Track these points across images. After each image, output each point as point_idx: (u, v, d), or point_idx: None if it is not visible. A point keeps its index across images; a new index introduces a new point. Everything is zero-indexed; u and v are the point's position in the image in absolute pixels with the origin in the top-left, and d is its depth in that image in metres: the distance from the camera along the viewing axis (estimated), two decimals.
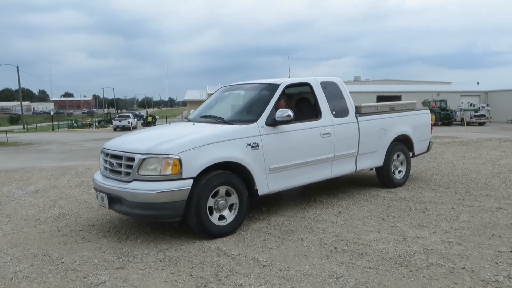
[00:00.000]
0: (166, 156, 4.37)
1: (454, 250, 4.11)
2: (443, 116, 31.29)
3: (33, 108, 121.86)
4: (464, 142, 14.52)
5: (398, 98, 41.55)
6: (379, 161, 6.59)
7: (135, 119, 45.32)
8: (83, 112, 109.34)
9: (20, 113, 55.50)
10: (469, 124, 28.61)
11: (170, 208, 4.38)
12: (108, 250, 4.46)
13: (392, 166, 6.84)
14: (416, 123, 7.16)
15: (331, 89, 6.02)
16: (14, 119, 68.57)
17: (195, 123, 5.48)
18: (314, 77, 5.95)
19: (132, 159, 4.53)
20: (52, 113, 55.74)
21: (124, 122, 39.54)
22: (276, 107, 5.71)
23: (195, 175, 4.44)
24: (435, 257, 3.95)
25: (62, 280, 3.72)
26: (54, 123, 46.77)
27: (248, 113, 5.41)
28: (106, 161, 4.99)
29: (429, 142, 7.54)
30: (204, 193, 4.49)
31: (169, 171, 4.36)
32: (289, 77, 6.53)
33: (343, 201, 6.14)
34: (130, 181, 4.50)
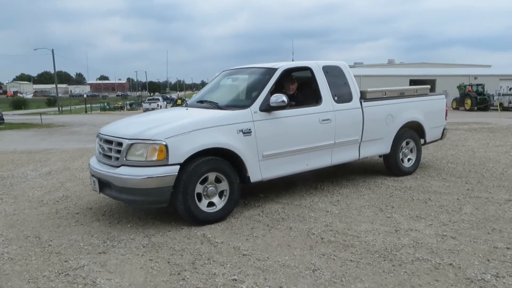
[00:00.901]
0: (153, 141, 4.34)
1: (446, 244, 3.90)
2: (479, 101, 29.89)
3: (70, 91, 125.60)
4: (492, 129, 13.84)
5: (432, 82, 40.15)
6: (385, 148, 6.33)
7: (165, 102, 45.98)
8: (117, 95, 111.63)
9: (57, 95, 57.28)
10: (507, 109, 27.29)
11: (156, 194, 4.36)
12: (97, 234, 4.50)
13: (401, 154, 6.57)
14: (428, 109, 6.82)
15: (334, 73, 5.79)
16: (52, 102, 70.84)
17: (189, 108, 5.41)
18: (316, 61, 5.73)
19: (121, 144, 4.52)
20: (85, 96, 57.28)
21: (153, 105, 40.32)
22: (286, 91, 5.59)
23: (182, 161, 4.39)
24: (424, 251, 3.76)
25: (43, 263, 3.78)
26: (87, 105, 48.07)
27: (243, 98, 5.30)
28: (100, 146, 5.01)
29: (443, 129, 7.17)
30: (192, 180, 4.43)
31: (155, 157, 4.32)
32: (292, 61, 6.33)
33: (345, 189, 5.96)
34: (119, 166, 4.50)
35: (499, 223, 4.43)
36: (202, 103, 5.51)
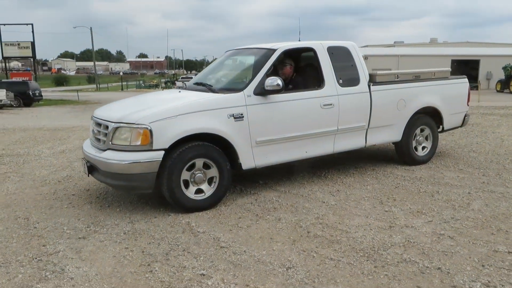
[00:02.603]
0: (137, 125, 4.20)
1: (440, 245, 3.58)
2: None
3: (111, 68, 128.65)
4: None
5: (476, 62, 38.11)
6: (396, 135, 5.94)
7: None
8: (155, 73, 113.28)
9: (97, 73, 58.77)
10: None
11: (140, 180, 4.25)
12: (84, 217, 4.46)
13: (414, 142, 6.15)
14: (447, 94, 6.31)
15: (340, 55, 5.42)
16: (92, 79, 72.88)
17: (182, 91, 5.22)
18: (320, 41, 5.38)
19: (108, 128, 4.42)
20: (121, 74, 58.39)
21: (186, 83, 40.55)
22: (282, 74, 5.33)
23: (166, 146, 4.24)
24: (414, 252, 3.46)
25: (22, 246, 3.77)
26: (123, 83, 49.02)
27: (238, 81, 5.05)
28: (92, 129, 4.94)
29: (465, 116, 6.65)
30: (177, 166, 4.28)
31: (139, 141, 4.20)
32: (299, 40, 6.00)
33: (349, 178, 5.66)
34: (105, 150, 4.41)
35: (508, 223, 4.03)
36: (198, 86, 5.31)
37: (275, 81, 4.60)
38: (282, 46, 5.08)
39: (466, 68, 36.68)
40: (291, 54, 5.34)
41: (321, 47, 5.30)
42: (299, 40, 6.29)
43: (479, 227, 3.96)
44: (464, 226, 3.97)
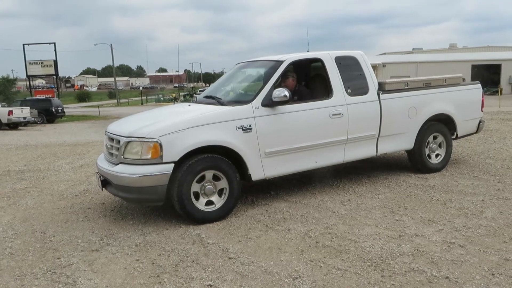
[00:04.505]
0: (147, 139, 4.31)
1: (450, 254, 3.53)
2: None
3: (131, 83, 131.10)
4: None
5: (497, 67, 37.41)
6: (408, 143, 5.89)
7: None
8: (174, 86, 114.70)
9: (118, 88, 60.06)
10: None
11: (151, 192, 4.34)
12: (98, 230, 4.57)
13: (427, 149, 6.09)
14: (461, 100, 6.25)
15: (348, 64, 5.45)
16: (113, 94, 74.52)
17: (192, 104, 5.33)
18: (328, 52, 5.42)
19: (119, 142, 4.54)
20: (141, 88, 59.47)
21: None
22: (285, 86, 5.39)
23: (176, 159, 4.32)
24: (422, 261, 3.43)
25: (38, 259, 3.88)
26: (143, 97, 49.91)
27: (246, 93, 5.13)
28: (106, 143, 5.08)
29: (479, 122, 6.55)
30: (187, 178, 4.36)
31: (149, 154, 4.30)
32: (307, 51, 6.05)
33: (361, 187, 5.63)
34: (117, 164, 4.53)
35: None
36: (208, 99, 5.41)
37: (283, 92, 4.66)
38: (289, 57, 5.14)
39: (487, 73, 36.08)
40: (299, 65, 5.40)
41: (328, 57, 5.34)
42: (308, 51, 6.32)
43: (491, 235, 3.89)
44: (475, 234, 3.91)
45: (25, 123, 22.29)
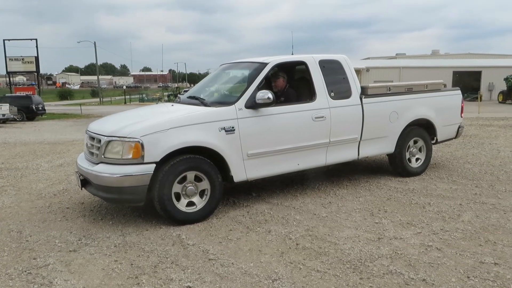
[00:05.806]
0: (128, 139, 4.26)
1: (427, 256, 3.58)
2: None
3: (115, 82, 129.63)
4: None
5: (477, 73, 38.15)
6: (389, 147, 5.97)
7: None
8: (158, 86, 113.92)
9: (101, 86, 59.25)
10: None
11: (131, 193, 4.30)
12: (76, 230, 4.50)
13: (408, 153, 6.18)
14: (441, 106, 6.36)
15: (331, 68, 5.50)
16: (96, 92, 73.46)
17: (174, 105, 5.30)
18: (312, 55, 5.45)
19: (100, 141, 4.48)
20: (124, 87, 58.89)
21: None
22: (274, 86, 5.41)
23: (158, 159, 4.29)
24: (400, 263, 3.47)
25: (13, 260, 3.80)
26: (126, 96, 49.39)
27: (230, 94, 5.12)
28: (86, 142, 5.01)
29: (459, 127, 6.68)
30: (168, 179, 4.33)
31: (131, 154, 4.25)
32: (292, 54, 6.08)
33: (342, 190, 5.68)
34: (98, 163, 4.47)
35: (497, 234, 4.04)
36: (191, 99, 5.38)
37: (266, 94, 4.67)
38: (273, 60, 5.15)
39: (468, 79, 36.79)
40: (283, 68, 5.42)
41: (312, 60, 5.38)
42: (292, 54, 6.36)
43: (467, 238, 3.96)
44: (452, 238, 3.98)
45: (4, 120, 21.82)
